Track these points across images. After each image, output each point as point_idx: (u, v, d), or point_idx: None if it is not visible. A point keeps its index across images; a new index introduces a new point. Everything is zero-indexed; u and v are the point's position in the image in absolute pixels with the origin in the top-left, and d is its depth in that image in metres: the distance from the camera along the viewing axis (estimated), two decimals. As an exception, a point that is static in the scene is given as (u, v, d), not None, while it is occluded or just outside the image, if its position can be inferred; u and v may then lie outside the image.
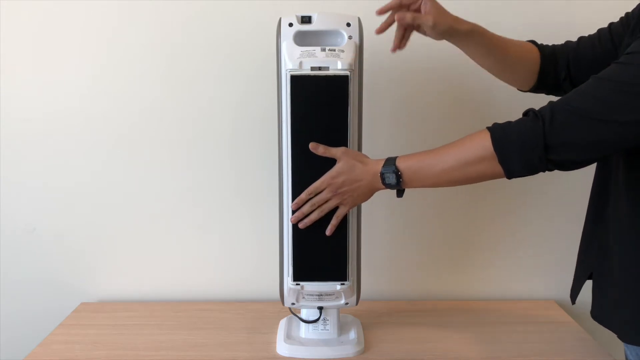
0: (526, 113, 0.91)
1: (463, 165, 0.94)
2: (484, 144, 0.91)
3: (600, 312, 1.01)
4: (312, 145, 1.02)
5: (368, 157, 1.04)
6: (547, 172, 0.91)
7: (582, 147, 0.87)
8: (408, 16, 0.97)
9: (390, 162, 0.99)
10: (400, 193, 1.03)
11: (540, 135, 0.86)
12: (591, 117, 0.85)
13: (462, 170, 0.94)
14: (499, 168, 0.91)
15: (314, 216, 1.04)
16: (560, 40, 1.10)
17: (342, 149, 1.03)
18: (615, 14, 1.04)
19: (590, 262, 1.04)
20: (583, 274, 1.06)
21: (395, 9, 1.01)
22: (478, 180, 0.97)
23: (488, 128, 0.93)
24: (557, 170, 0.91)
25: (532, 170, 0.91)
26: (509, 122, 0.91)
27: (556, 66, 1.07)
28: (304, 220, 1.05)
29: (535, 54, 1.08)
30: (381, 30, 1.03)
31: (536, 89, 1.11)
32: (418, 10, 1.00)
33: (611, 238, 0.98)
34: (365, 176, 1.01)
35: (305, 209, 1.04)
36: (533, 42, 1.11)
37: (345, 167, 1.02)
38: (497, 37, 1.06)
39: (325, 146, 1.02)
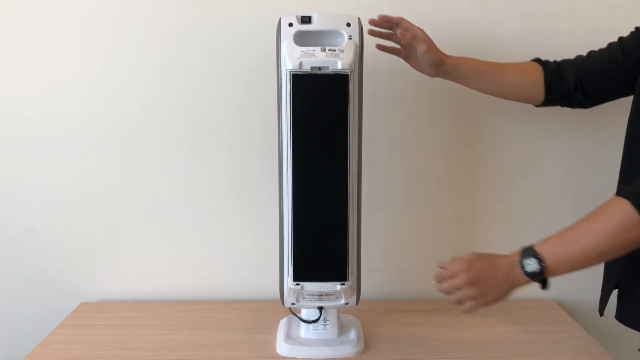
0: None
1: (611, 236, 0.90)
2: (626, 209, 0.88)
3: (631, 315, 1.02)
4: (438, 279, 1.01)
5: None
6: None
7: None
8: (409, 35, 1.06)
9: (528, 249, 0.95)
10: (544, 284, 0.96)
11: None
12: None
13: (611, 241, 0.90)
14: None
15: (452, 298, 1.00)
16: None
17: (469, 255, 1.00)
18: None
19: (619, 270, 1.04)
20: (612, 283, 1.06)
21: (387, 24, 1.09)
22: (630, 248, 0.92)
23: (620, 195, 0.90)
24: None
25: None
26: (638, 184, 0.90)
27: (562, 78, 1.11)
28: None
29: (538, 69, 1.13)
30: (374, 33, 1.12)
31: (547, 101, 1.14)
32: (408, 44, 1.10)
33: None
34: (501, 266, 0.96)
35: (444, 288, 1.00)
36: (537, 59, 1.16)
37: (478, 255, 0.99)
38: (489, 64, 1.13)
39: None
